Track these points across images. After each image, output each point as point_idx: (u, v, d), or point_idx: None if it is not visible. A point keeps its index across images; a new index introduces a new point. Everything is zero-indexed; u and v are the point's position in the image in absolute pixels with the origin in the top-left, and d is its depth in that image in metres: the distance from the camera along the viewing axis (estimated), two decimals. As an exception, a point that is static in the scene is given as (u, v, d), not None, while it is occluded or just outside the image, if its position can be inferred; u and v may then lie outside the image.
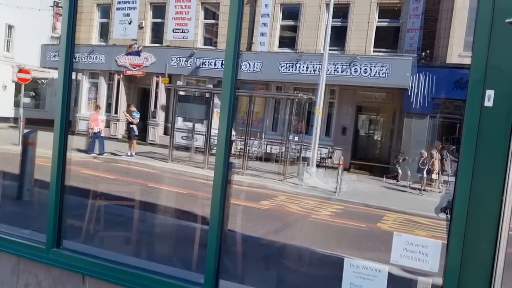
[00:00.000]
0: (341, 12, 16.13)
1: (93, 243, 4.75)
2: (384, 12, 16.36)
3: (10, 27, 22.07)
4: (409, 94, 14.88)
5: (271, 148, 16.02)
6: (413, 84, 14.77)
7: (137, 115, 15.21)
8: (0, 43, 21.61)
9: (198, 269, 2.87)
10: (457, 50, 14.83)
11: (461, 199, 2.17)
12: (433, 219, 8.70)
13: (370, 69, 15.24)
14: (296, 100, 14.45)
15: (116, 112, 19.00)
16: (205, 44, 18.89)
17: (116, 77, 19.14)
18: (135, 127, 14.95)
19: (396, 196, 12.45)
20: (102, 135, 14.87)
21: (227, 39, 2.79)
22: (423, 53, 15.41)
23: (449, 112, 15.24)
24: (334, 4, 13.93)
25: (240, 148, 14.92)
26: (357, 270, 2.47)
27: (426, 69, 14.81)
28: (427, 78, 14.77)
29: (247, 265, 4.93)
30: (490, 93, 2.11)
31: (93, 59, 19.11)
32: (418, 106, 14.88)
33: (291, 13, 17.42)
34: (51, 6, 20.86)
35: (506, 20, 2.08)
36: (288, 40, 17.61)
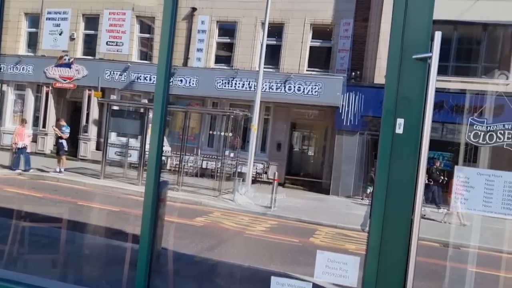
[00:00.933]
0: (276, 31, 16.61)
1: (16, 267, 4.52)
2: (317, 32, 17.04)
3: None
4: (340, 112, 15.55)
5: (207, 163, 16.01)
6: (344, 103, 15.47)
7: (66, 130, 14.62)
8: None
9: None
10: (384, 71, 15.72)
11: (376, 216, 2.36)
12: (363, 232, 9.14)
13: (304, 87, 15.79)
14: (232, 116, 14.62)
15: (44, 126, 18.13)
16: (140, 58, 18.63)
17: (44, 89, 18.30)
18: (64, 142, 14.36)
19: (328, 211, 12.87)
20: (28, 150, 14.13)
21: (159, 54, 2.84)
22: (353, 73, 16.19)
23: (377, 130, 16.07)
24: (269, 23, 14.31)
25: (176, 164, 14.78)
26: (283, 287, 2.58)
27: (355, 88, 15.56)
28: (356, 97, 15.53)
29: (179, 284, 4.92)
30: (400, 121, 2.33)
31: (19, 70, 18.18)
32: (348, 124, 15.58)
33: (228, 30, 17.68)
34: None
35: (413, 56, 2.32)
36: (224, 57, 17.82)
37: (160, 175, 2.94)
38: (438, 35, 2.22)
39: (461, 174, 2.28)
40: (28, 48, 19.17)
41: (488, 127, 2.34)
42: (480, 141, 2.33)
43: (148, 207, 2.84)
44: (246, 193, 13.23)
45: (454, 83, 13.93)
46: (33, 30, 18.84)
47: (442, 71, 14.95)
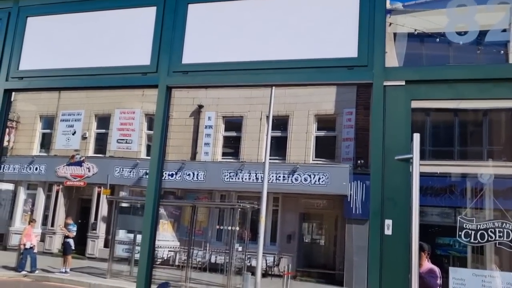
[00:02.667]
0: (281, 123, 17.09)
1: None
2: (321, 123, 17.47)
3: None
4: (349, 200, 15.44)
5: (215, 257, 15.64)
6: (351, 192, 15.40)
7: (73, 228, 14.57)
8: None
9: None
10: (389, 158, 15.84)
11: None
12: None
13: (311, 178, 15.85)
14: (240, 209, 14.56)
15: (52, 225, 18.12)
16: (148, 155, 19.04)
17: (55, 187, 18.59)
18: (71, 241, 14.24)
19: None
20: (35, 251, 13.99)
21: (152, 149, 2.94)
22: (358, 161, 16.31)
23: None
24: (273, 116, 14.78)
25: (184, 259, 14.46)
26: None
27: (361, 176, 15.57)
28: (363, 185, 15.48)
29: None
30: (388, 222, 2.33)
31: (32, 169, 18.64)
32: (358, 213, 15.37)
33: (234, 124, 18.23)
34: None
35: (396, 158, 2.38)
36: (231, 150, 18.18)
37: (152, 275, 2.90)
38: (416, 137, 2.29)
39: (456, 275, 2.22)
40: (41, 148, 19.82)
41: (478, 226, 2.32)
42: (472, 240, 2.30)
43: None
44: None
45: (460, 167, 13.90)
46: (48, 131, 19.62)
47: (448, 155, 14.96)
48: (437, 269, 4.84)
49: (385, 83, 2.47)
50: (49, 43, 3.26)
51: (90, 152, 19.03)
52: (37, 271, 13.49)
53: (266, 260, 15.41)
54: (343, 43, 2.59)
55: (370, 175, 2.41)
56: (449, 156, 14.89)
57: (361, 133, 16.93)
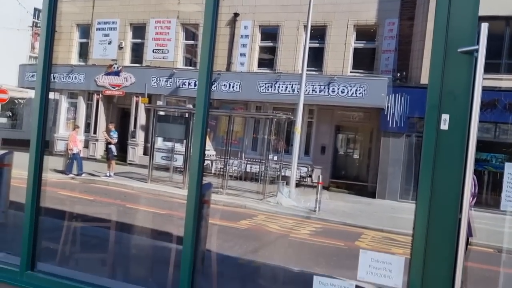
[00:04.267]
0: (318, 33, 16.50)
1: (68, 265, 4.72)
2: (360, 33, 16.79)
3: (-13, 47, 21.91)
4: (386, 113, 15.21)
5: (251, 167, 16.09)
6: (389, 104, 15.11)
7: (114, 135, 15.15)
8: (-24, 63, 21.37)
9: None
10: (431, 71, 15.27)
11: (421, 217, 2.29)
12: (409, 236, 8.84)
13: (348, 89, 15.57)
14: (275, 119, 14.64)
15: (95, 132, 18.88)
16: (185, 65, 19.04)
17: (95, 97, 19.08)
18: (113, 147, 14.88)
19: (374, 214, 12.60)
20: (81, 155, 14.75)
21: (200, 59, 2.89)
22: (398, 74, 15.81)
23: (424, 131, 15.60)
24: (311, 26, 14.24)
25: (220, 168, 14.96)
26: (325, 287, 2.54)
27: (401, 89, 15.18)
28: (402, 98, 15.13)
29: (223, 284, 4.96)
30: (445, 117, 2.25)
31: (72, 79, 19.04)
32: (394, 125, 15.20)
33: (270, 34, 17.74)
34: (30, 26, 20.82)
35: (458, 50, 2.24)
36: (267, 61, 17.89)
37: (203, 177, 2.98)
38: (484, 27, 2.13)
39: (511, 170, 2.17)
40: (80, 58, 20.06)
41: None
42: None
43: (191, 208, 2.89)
44: (289, 193, 13.18)
45: (506, 81, 13.31)
46: (84, 40, 19.72)
47: (493, 68, 14.37)
48: (474, 177, 4.81)
49: (453, -32, 2.25)
50: None
51: (127, 62, 19.15)
52: (83, 175, 14.33)
53: (299, 171, 15.75)
54: None
55: (430, 66, 2.29)
56: (495, 70, 14.21)
57: (403, 44, 16.24)
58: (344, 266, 6.92)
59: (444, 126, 2.25)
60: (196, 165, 2.90)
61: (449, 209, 2.23)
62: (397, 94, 15.20)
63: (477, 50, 2.16)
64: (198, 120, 2.92)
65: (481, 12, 2.29)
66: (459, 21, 2.24)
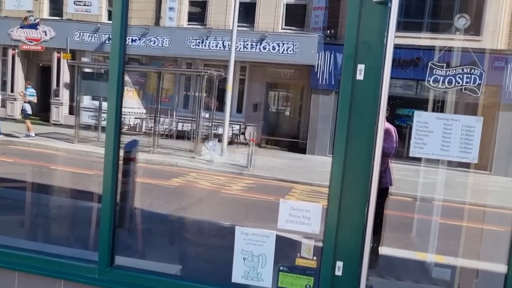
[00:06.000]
0: (250, -12, 16.22)
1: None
2: (292, -11, 16.70)
3: None
4: (316, 71, 15.47)
5: (182, 125, 15.88)
6: (319, 62, 15.37)
7: (28, 92, 14.14)
8: None
9: (96, 249, 2.83)
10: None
11: (336, 165, 2.36)
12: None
13: (279, 46, 15.58)
14: (206, 76, 14.40)
15: (12, 91, 17.57)
16: (110, 19, 17.98)
17: (10, 52, 17.62)
18: (27, 105, 13.87)
19: (304, 169, 13.01)
20: (-4, 115, 13.75)
21: (113, 11, 2.73)
22: (328, 32, 16.02)
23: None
24: (243, -19, 13.93)
25: (151, 126, 14.61)
26: (247, 237, 2.59)
27: (331, 47, 15.43)
28: (332, 55, 15.43)
29: (151, 241, 4.94)
30: (361, 67, 2.30)
31: (-17, 31, 17.40)
32: (324, 83, 15.54)
33: (202, -14, 17.17)
34: None
35: (374, 0, 2.26)
36: (197, 16, 17.36)
37: (121, 134, 2.87)
38: (397, -24, 2.16)
39: (420, 118, 2.28)
40: (-10, 9, 18.29)
41: (447, 72, 2.32)
42: (439, 85, 2.32)
43: (109, 164, 2.80)
44: (213, 147, 13.18)
45: (427, 40, 13.93)
46: (-5, -11, 17.92)
47: (415, 27, 14.94)
48: (392, 128, 5.05)
49: None
50: None
51: (45, 14, 17.76)
52: (1, 136, 13.40)
53: (232, 129, 15.79)
54: None
55: (346, 17, 2.30)
56: (417, 28, 14.79)
57: (333, 2, 16.38)
58: (274, 219, 7.12)
59: (360, 76, 2.30)
60: (113, 121, 2.78)
61: (363, 158, 2.32)
62: (326, 52, 15.46)
63: (391, 1, 2.19)
64: (113, 79, 2.80)
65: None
66: (374, -29, 2.25)
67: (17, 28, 16.95)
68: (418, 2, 14.99)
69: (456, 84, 2.34)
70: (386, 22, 2.24)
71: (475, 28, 14.59)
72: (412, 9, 15.03)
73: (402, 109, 15.22)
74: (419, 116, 2.28)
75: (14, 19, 16.85)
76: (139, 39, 16.27)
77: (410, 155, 2.33)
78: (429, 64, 2.34)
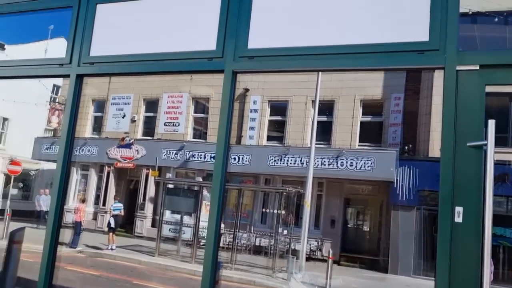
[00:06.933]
0: (326, 108, 16.93)
1: None
2: (367, 108, 17.17)
3: (4, 119, 22.63)
4: (395, 186, 15.18)
5: (260, 240, 15.86)
6: (398, 177, 15.13)
7: (113, 207, 15.22)
8: (-7, 135, 22.02)
9: None
10: (438, 144, 15.44)
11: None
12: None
13: (356, 163, 15.68)
14: (285, 193, 14.63)
15: (104, 204, 18.91)
16: (194, 137, 19.42)
17: (106, 169, 19.33)
18: (111, 219, 14.84)
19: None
20: (83, 227, 14.72)
21: (218, 134, 2.99)
22: (406, 147, 15.97)
23: (436, 204, 15.41)
24: (319, 101, 14.64)
25: (229, 241, 14.74)
26: None
27: (409, 162, 15.26)
28: (411, 171, 15.18)
29: None
30: (459, 209, 2.30)
31: (85, 151, 19.44)
32: (404, 199, 15.11)
33: (279, 108, 18.23)
34: (48, 101, 21.62)
35: (468, 144, 2.33)
36: (277, 135, 18.23)
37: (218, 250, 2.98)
38: (491, 123, 2.24)
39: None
40: (94, 131, 20.59)
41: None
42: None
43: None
44: (303, 277, 12.83)
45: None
46: (99, 114, 20.35)
47: (500, 142, 14.46)
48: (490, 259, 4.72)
49: (458, 68, 2.41)
50: (118, 29, 3.38)
51: (139, 135, 19.61)
52: (81, 247, 14.15)
53: (309, 244, 15.47)
54: (413, 26, 2.54)
55: (441, 161, 2.37)
56: (504, 143, 14.33)
57: (410, 118, 16.56)
58: None
59: (458, 218, 2.30)
60: (212, 239, 2.91)
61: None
62: (405, 167, 15.26)
63: (485, 145, 2.25)
64: (215, 196, 2.97)
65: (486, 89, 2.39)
66: (466, 117, 2.36)
67: (114, 148, 18.78)
68: (501, 117, 14.71)
69: None
70: (482, 164, 2.28)
71: None
72: (497, 124, 14.74)
73: (493, 228, 14.17)
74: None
75: (112, 139, 18.79)
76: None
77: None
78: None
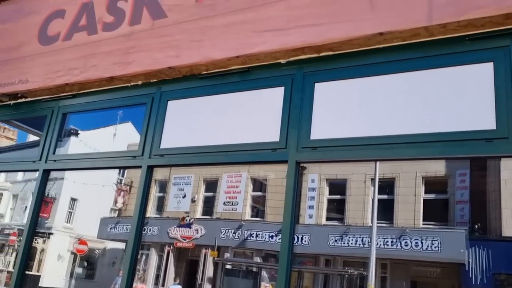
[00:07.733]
0: (386, 185, 16.52)
1: None
2: (430, 185, 16.59)
3: (73, 200, 23.90)
4: (467, 269, 14.12)
5: (321, 325, 15.03)
6: (470, 259, 14.12)
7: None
8: (62, 215, 23.17)
9: None
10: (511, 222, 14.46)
11: None
12: None
13: (421, 242, 14.89)
14: (347, 275, 14.02)
15: (163, 284, 18.90)
16: (252, 216, 19.40)
17: (166, 249, 19.56)
18: None
19: None
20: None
21: (282, 227, 2.99)
22: (476, 226, 15.04)
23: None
24: (379, 179, 14.38)
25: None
26: None
27: (480, 242, 14.29)
28: (483, 252, 14.16)
29: None
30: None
31: (146, 231, 19.89)
32: (478, 283, 13.97)
33: (337, 187, 18.01)
34: (114, 183, 22.75)
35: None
36: (336, 214, 17.85)
37: None
38: None
39: None
40: (156, 211, 21.19)
41: None
42: None
43: None
44: None
45: None
46: (161, 194, 21.03)
47: None
48: None
49: (529, 155, 2.35)
50: (186, 122, 3.62)
51: (198, 214, 19.91)
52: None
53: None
54: (477, 114, 2.54)
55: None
56: None
57: (476, 195, 15.75)
58: None
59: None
60: None
61: None
62: (476, 247, 14.27)
63: None
64: (281, 278, 2.92)
65: None
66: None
67: (174, 227, 19.12)
68: None
69: None
70: None
71: None
72: None
73: None
74: None
75: (173, 219, 19.19)
76: (276, 235, 16.95)
77: None
78: None
